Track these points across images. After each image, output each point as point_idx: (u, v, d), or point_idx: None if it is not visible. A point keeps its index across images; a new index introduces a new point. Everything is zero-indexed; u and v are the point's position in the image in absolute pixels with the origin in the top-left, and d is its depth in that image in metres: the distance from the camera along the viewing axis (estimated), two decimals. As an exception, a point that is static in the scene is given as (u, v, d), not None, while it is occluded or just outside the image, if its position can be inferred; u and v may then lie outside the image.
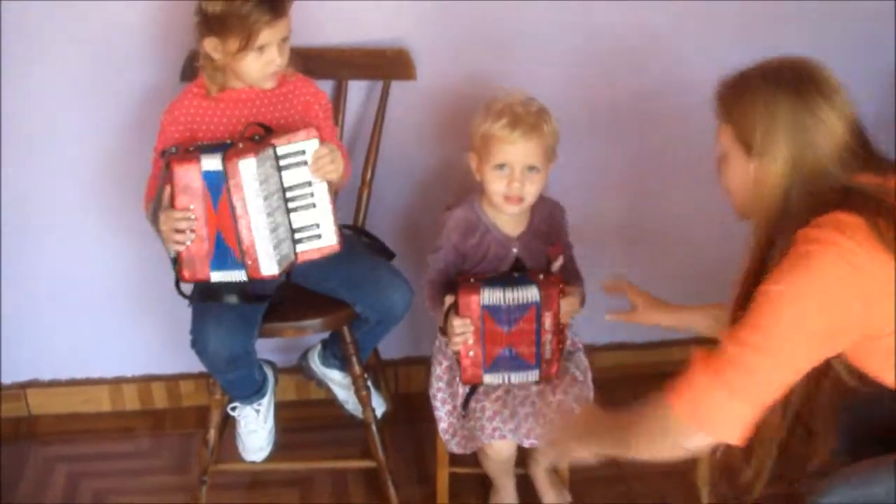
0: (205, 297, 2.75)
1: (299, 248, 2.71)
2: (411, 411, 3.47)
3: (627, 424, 2.33)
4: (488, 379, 2.78)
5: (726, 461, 2.56)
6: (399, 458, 3.32)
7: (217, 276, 2.67)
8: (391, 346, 3.44)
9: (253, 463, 3.08)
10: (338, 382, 3.24)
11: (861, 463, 2.33)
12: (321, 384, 3.29)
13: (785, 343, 2.06)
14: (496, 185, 2.70)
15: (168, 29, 2.95)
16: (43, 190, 3.19)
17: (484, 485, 3.13)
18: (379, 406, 3.17)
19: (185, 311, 2.80)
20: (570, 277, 2.88)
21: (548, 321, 2.71)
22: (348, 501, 3.23)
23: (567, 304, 2.76)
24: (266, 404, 3.02)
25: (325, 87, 3.05)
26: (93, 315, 3.42)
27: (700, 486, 3.01)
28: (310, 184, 2.66)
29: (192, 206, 2.58)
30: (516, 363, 2.77)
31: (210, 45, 2.67)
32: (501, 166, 2.68)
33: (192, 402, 3.59)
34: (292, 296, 2.87)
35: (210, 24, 2.63)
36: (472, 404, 2.81)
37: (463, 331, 2.69)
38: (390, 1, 3.05)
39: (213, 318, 2.73)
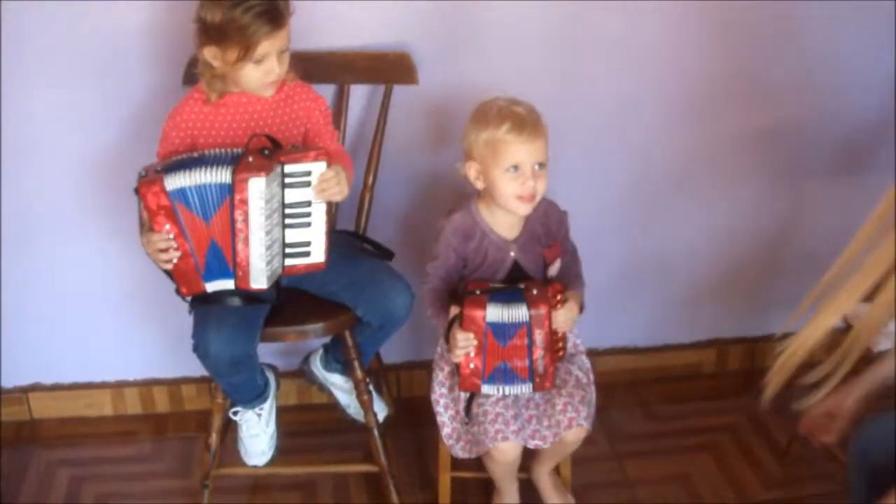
0: (206, 300, 2.75)
1: (287, 261, 2.73)
2: (413, 415, 3.47)
3: None
4: (486, 390, 2.78)
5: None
6: (401, 463, 3.32)
7: (212, 287, 2.71)
8: (393, 351, 3.44)
9: (255, 467, 3.08)
10: (340, 387, 3.23)
11: None
12: (323, 388, 3.29)
13: None
14: (509, 186, 2.70)
15: (170, 32, 2.94)
16: (45, 194, 3.19)
17: (486, 489, 3.13)
18: (381, 410, 3.17)
19: (186, 315, 2.80)
20: (571, 281, 2.87)
21: (538, 338, 2.70)
22: (350, 506, 3.24)
23: (566, 312, 2.75)
24: (268, 409, 3.02)
25: (327, 91, 3.06)
26: (95, 319, 3.42)
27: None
28: (310, 203, 2.67)
29: (167, 226, 2.60)
30: (510, 377, 2.76)
31: (209, 54, 2.66)
32: (514, 168, 2.68)
33: (193, 406, 3.59)
34: (294, 300, 2.86)
35: (209, 32, 2.62)
36: (475, 409, 2.80)
37: (466, 344, 2.69)
38: (392, 4, 3.04)
39: (214, 322, 2.73)
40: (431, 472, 3.21)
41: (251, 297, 2.73)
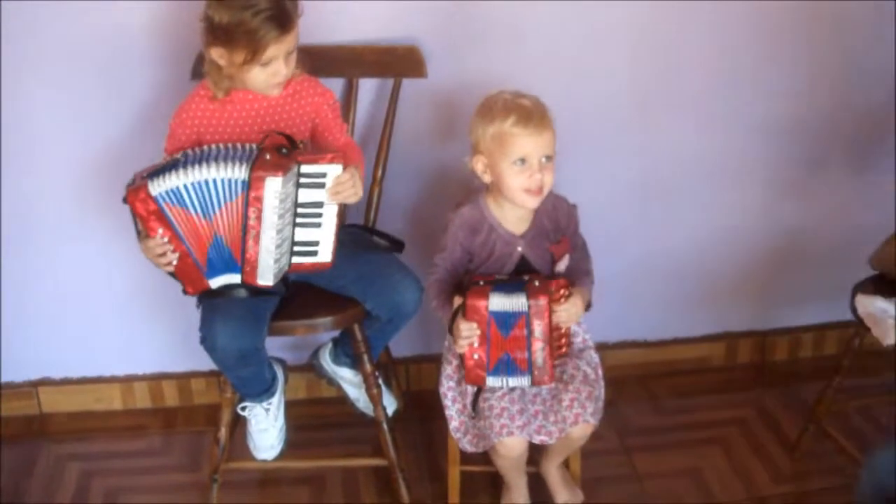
0: (213, 293, 2.75)
1: (294, 259, 2.74)
2: (422, 409, 3.46)
3: None
4: (491, 382, 2.78)
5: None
6: (410, 457, 3.32)
7: (216, 282, 2.73)
8: (402, 344, 3.44)
9: (264, 461, 3.08)
10: (349, 380, 3.24)
11: None
12: (332, 382, 3.29)
13: None
14: (516, 179, 2.69)
15: (176, 29, 2.94)
16: (53, 189, 3.19)
17: (495, 483, 3.13)
18: (390, 404, 3.17)
19: (195, 310, 2.81)
20: (579, 277, 2.87)
21: (537, 329, 2.70)
22: (359, 500, 3.22)
23: (569, 307, 2.75)
24: (276, 403, 3.01)
25: (336, 85, 3.05)
26: (104, 313, 3.42)
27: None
28: (322, 204, 2.68)
29: (160, 230, 2.60)
30: (512, 367, 2.76)
31: (216, 54, 2.66)
32: (521, 161, 2.67)
33: (203, 401, 3.59)
34: (303, 293, 2.87)
35: (216, 33, 2.61)
36: (481, 403, 2.80)
37: (469, 334, 2.69)
38: (402, -2, 3.05)
39: (221, 315, 2.73)
40: (441, 465, 3.21)
41: (259, 290, 2.73)
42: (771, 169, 3.46)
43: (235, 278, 2.71)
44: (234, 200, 2.60)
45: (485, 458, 2.94)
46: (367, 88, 3.14)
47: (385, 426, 3.05)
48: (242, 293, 2.73)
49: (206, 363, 2.85)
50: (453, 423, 2.87)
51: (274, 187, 2.56)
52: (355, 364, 3.13)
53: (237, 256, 2.66)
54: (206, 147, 2.65)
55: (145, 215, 2.59)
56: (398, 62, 3.05)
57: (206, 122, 2.77)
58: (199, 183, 2.59)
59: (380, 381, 3.06)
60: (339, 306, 2.87)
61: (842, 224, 3.58)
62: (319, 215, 2.69)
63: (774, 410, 3.56)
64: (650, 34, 3.18)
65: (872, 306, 2.88)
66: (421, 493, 3.21)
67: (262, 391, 2.98)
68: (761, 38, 3.24)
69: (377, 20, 3.05)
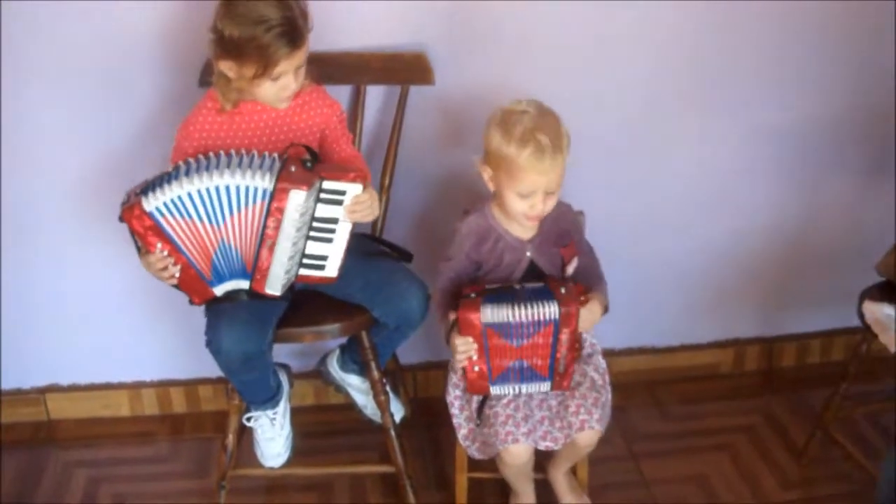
0: (219, 297, 2.76)
1: (301, 271, 2.74)
2: (430, 416, 3.47)
3: None
4: (495, 391, 2.78)
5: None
6: (418, 464, 3.32)
7: (221, 290, 2.73)
8: (410, 351, 3.44)
9: (271, 468, 3.08)
10: (356, 387, 3.24)
11: None
12: (340, 389, 3.29)
13: None
14: (517, 206, 2.69)
15: (184, 32, 2.94)
16: (59, 196, 3.19)
17: (503, 490, 3.13)
18: (397, 411, 3.17)
19: (202, 316, 2.80)
20: (594, 282, 2.87)
21: (565, 337, 2.70)
22: (367, 506, 3.24)
23: (587, 313, 2.75)
24: (281, 412, 3.01)
25: (343, 91, 3.06)
26: (112, 320, 3.43)
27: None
28: (337, 221, 2.68)
29: (159, 245, 2.61)
30: (528, 374, 2.76)
31: (225, 66, 2.64)
32: (525, 194, 2.67)
33: (210, 407, 3.59)
34: (311, 301, 2.87)
35: (226, 46, 2.60)
36: (486, 411, 2.80)
37: (465, 349, 2.69)
38: (408, 4, 3.04)
39: (227, 318, 2.74)
40: (448, 472, 3.21)
41: (262, 297, 2.74)
42: (779, 174, 3.45)
43: (242, 284, 2.71)
44: (249, 207, 2.59)
45: (492, 465, 2.94)
46: (374, 95, 3.14)
47: (393, 433, 3.05)
48: (245, 296, 2.73)
49: (213, 370, 2.85)
50: (462, 432, 2.87)
51: (297, 200, 2.56)
52: (363, 371, 3.13)
53: (246, 262, 2.67)
54: (221, 153, 2.63)
55: (142, 231, 2.59)
56: (405, 69, 3.05)
57: (213, 135, 2.76)
58: (208, 189, 2.57)
59: (387, 387, 3.06)
60: (346, 313, 2.87)
61: (849, 230, 3.57)
62: (333, 231, 2.69)
63: (782, 417, 3.56)
64: (657, 38, 3.17)
65: (880, 313, 2.88)
66: (428, 500, 3.21)
67: (267, 399, 2.98)
68: (769, 41, 3.23)
69: (384, 27, 3.05)
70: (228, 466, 3.05)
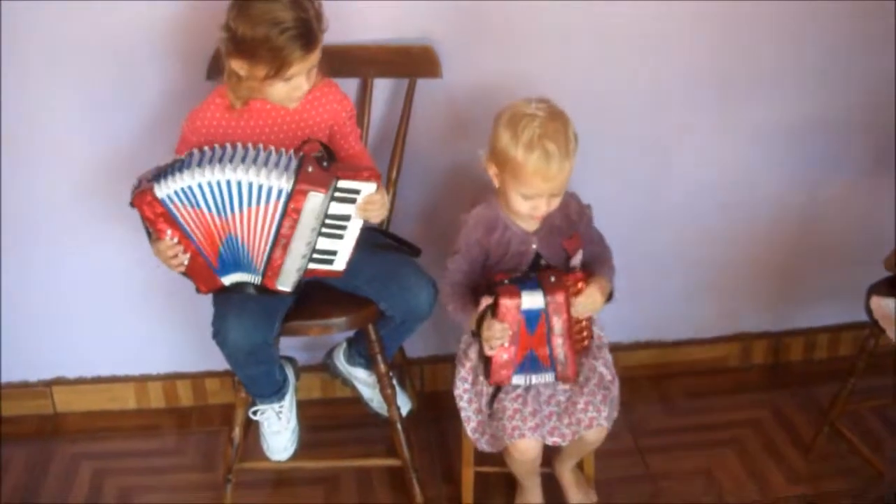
0: (227, 288, 2.75)
1: (310, 265, 2.73)
2: (437, 410, 3.47)
3: None
4: (516, 380, 2.78)
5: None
6: (424, 457, 3.32)
7: (229, 280, 2.73)
8: (417, 345, 3.44)
9: (278, 462, 3.08)
10: (363, 381, 3.24)
11: None
12: (346, 382, 3.29)
13: None
14: (521, 206, 2.69)
15: (192, 25, 2.94)
16: (67, 190, 3.19)
17: (509, 484, 3.12)
18: (404, 404, 3.17)
19: (210, 309, 2.80)
20: (598, 267, 2.87)
21: (557, 325, 2.69)
22: (373, 500, 3.23)
23: (586, 299, 2.74)
24: (287, 405, 3.02)
25: (350, 84, 3.05)
26: (118, 313, 3.43)
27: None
28: (349, 218, 2.68)
29: (169, 232, 2.60)
30: (535, 365, 2.76)
31: (237, 65, 2.62)
32: (530, 196, 2.67)
33: (217, 400, 3.60)
34: (318, 294, 2.86)
35: (239, 45, 2.57)
36: (495, 405, 2.80)
37: (502, 335, 2.68)
38: (415, -2, 3.05)
39: (234, 309, 2.74)
40: (454, 466, 3.21)
41: (270, 292, 2.74)
42: (786, 169, 3.45)
43: (247, 277, 2.71)
44: (262, 205, 2.58)
45: (499, 459, 2.94)
46: (382, 88, 3.13)
47: (399, 426, 3.05)
48: (252, 290, 2.73)
49: (220, 363, 2.85)
50: (471, 425, 2.87)
51: (315, 202, 2.57)
52: (369, 364, 3.14)
53: (254, 258, 2.67)
54: (238, 146, 2.63)
55: (153, 218, 2.59)
56: (413, 62, 3.05)
57: (221, 131, 2.75)
58: (219, 182, 2.56)
59: (394, 381, 3.06)
60: (353, 306, 2.87)
61: (856, 225, 3.57)
62: (344, 228, 2.69)
63: (789, 411, 3.56)
64: (665, 33, 3.16)
65: (888, 307, 2.88)
66: (435, 494, 3.21)
67: (273, 392, 2.98)
68: (775, 37, 3.22)
69: (392, 20, 3.04)
70: (235, 460, 3.05)
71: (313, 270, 2.75)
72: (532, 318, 2.68)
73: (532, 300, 2.66)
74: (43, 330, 3.42)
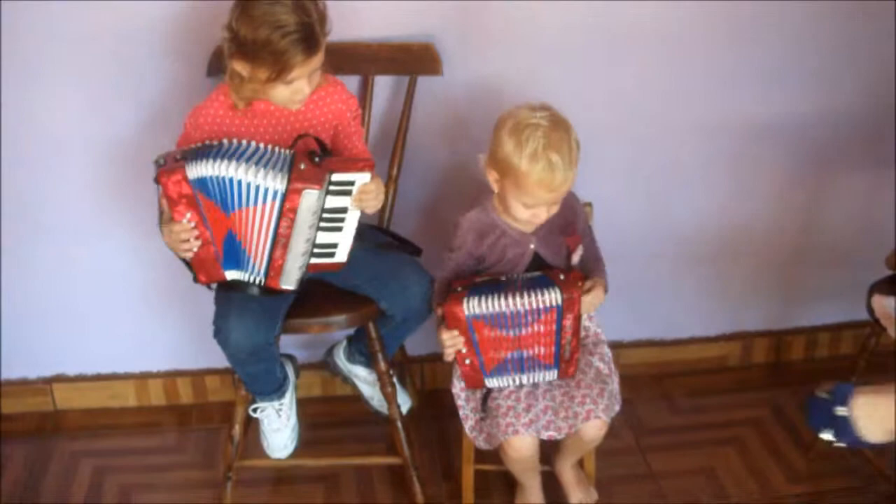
0: (228, 286, 2.75)
1: (312, 260, 2.73)
2: (437, 408, 3.47)
3: None
4: (492, 383, 2.79)
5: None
6: (424, 455, 3.32)
7: (232, 275, 2.71)
8: (417, 343, 3.43)
9: (278, 460, 3.08)
10: (363, 379, 3.24)
11: None
12: (347, 380, 3.29)
13: None
14: (521, 213, 2.69)
15: (193, 22, 2.94)
16: (68, 186, 3.19)
17: (510, 482, 3.12)
18: (404, 402, 3.17)
19: (210, 307, 2.80)
20: (593, 265, 2.88)
21: (569, 323, 2.69)
22: (373, 498, 3.23)
23: (593, 297, 2.75)
24: (287, 403, 3.02)
25: (351, 82, 3.05)
26: (119, 310, 3.42)
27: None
28: (346, 210, 2.67)
29: (188, 215, 2.58)
30: (529, 364, 2.76)
31: (239, 66, 2.61)
32: (531, 205, 2.67)
33: (217, 398, 3.60)
34: (318, 292, 2.86)
35: (241, 47, 2.56)
36: (489, 403, 2.80)
37: (451, 343, 2.69)
38: (416, -5, 3.05)
39: (236, 308, 2.73)
40: (455, 464, 3.21)
41: (273, 292, 2.73)
42: (788, 167, 3.44)
43: (245, 276, 2.71)
44: (258, 205, 2.58)
45: (499, 456, 2.94)
46: (382, 86, 3.13)
47: (399, 424, 3.05)
48: (255, 291, 2.73)
49: (220, 360, 2.85)
50: (469, 423, 2.86)
51: (310, 200, 2.56)
52: (370, 362, 3.13)
53: (252, 257, 2.67)
54: (243, 142, 2.62)
55: (176, 198, 2.56)
56: (414, 59, 3.04)
57: (224, 129, 2.74)
58: (224, 178, 2.56)
59: (394, 379, 3.06)
60: (353, 305, 2.87)
61: (858, 224, 3.56)
62: (342, 220, 2.68)
63: (790, 410, 3.55)
64: (666, 32, 3.16)
65: (889, 306, 2.87)
66: (435, 492, 3.21)
67: (273, 390, 2.98)
68: (776, 36, 3.22)
69: (393, 17, 3.04)
70: (235, 457, 3.05)
71: (315, 265, 2.74)
72: (503, 322, 2.68)
73: (485, 304, 2.65)
74: (43, 327, 3.42)
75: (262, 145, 2.62)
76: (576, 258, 2.85)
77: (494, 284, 2.72)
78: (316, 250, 2.71)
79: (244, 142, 2.62)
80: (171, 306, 3.40)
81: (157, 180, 2.55)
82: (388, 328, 2.96)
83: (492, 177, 2.71)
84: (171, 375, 3.58)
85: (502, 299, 2.66)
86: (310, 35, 2.55)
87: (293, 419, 3.06)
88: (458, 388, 2.87)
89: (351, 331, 3.17)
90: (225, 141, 2.61)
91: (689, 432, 3.49)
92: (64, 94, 3.05)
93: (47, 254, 3.29)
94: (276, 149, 2.62)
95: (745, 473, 3.30)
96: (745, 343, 3.77)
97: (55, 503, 3.21)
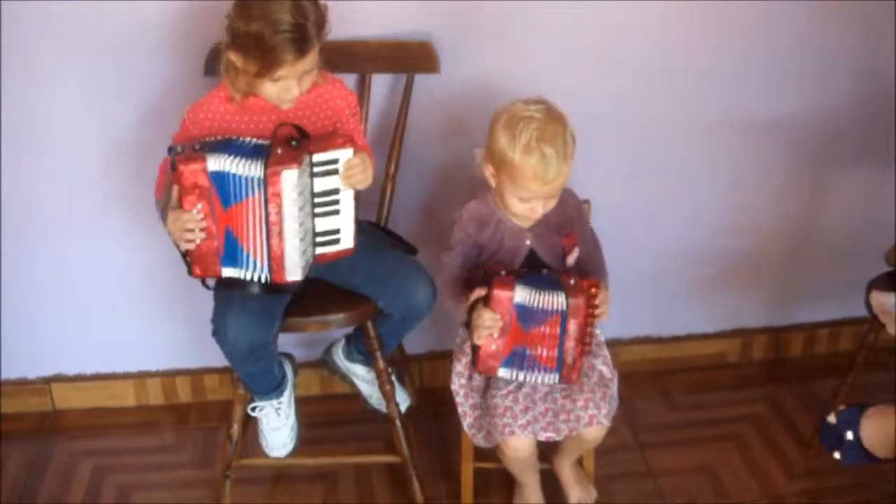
0: (227, 285, 2.74)
1: (318, 250, 2.72)
2: (436, 406, 3.46)
3: None
4: (502, 373, 2.77)
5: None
6: (423, 453, 3.32)
7: (228, 272, 2.69)
8: (416, 341, 3.44)
9: (276, 458, 3.08)
10: (362, 377, 3.23)
11: None
12: (345, 379, 3.29)
13: None
14: (517, 207, 2.69)
15: (190, 21, 2.94)
16: (66, 186, 3.19)
17: (509, 480, 3.12)
18: (403, 401, 3.16)
19: (209, 306, 2.79)
20: (594, 271, 2.86)
21: (572, 328, 2.68)
22: (372, 497, 3.23)
23: (605, 307, 2.73)
24: (286, 402, 3.02)
25: (349, 80, 3.04)
26: (117, 310, 3.42)
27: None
28: (338, 191, 2.66)
29: (199, 206, 2.57)
30: (530, 363, 2.75)
31: (233, 56, 2.61)
32: (526, 199, 2.67)
33: (216, 397, 3.59)
34: (316, 290, 2.86)
35: (234, 38, 2.57)
36: (488, 400, 2.79)
37: (492, 324, 2.67)
38: (413, -7, 3.04)
39: (235, 307, 2.73)
40: (454, 462, 3.21)
41: (274, 289, 2.72)
42: (787, 164, 3.44)
43: (245, 273, 2.69)
44: (248, 198, 2.57)
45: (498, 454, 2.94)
46: (380, 84, 3.13)
47: (398, 423, 3.05)
48: (256, 290, 2.72)
49: (219, 360, 2.85)
50: (467, 420, 2.86)
51: (291, 180, 2.53)
52: (368, 361, 3.13)
53: (252, 253, 2.65)
54: (230, 138, 2.63)
55: (189, 187, 2.55)
56: (411, 57, 3.04)
57: (224, 125, 2.74)
58: (226, 174, 2.56)
59: (393, 377, 3.06)
60: (352, 303, 2.87)
61: (857, 220, 3.56)
62: (337, 202, 2.67)
63: (789, 407, 3.55)
64: (665, 32, 3.16)
65: (888, 303, 2.87)
66: (434, 491, 3.21)
67: (272, 389, 2.98)
68: (776, 36, 3.22)
69: (390, 16, 3.04)
70: (233, 456, 3.05)
71: (324, 255, 2.73)
72: (528, 315, 2.67)
73: (527, 296, 2.65)
74: (42, 326, 3.42)
75: (248, 139, 2.62)
76: (571, 259, 2.85)
77: (532, 276, 2.72)
78: (319, 239, 2.70)
79: (234, 138, 2.62)
80: (170, 305, 3.40)
81: (173, 167, 2.55)
82: (386, 326, 2.96)
83: (488, 171, 2.71)
84: (169, 375, 3.58)
85: (537, 293, 2.66)
86: (302, 37, 2.55)
87: (292, 418, 3.06)
88: (456, 384, 2.86)
89: (349, 329, 3.17)
90: (230, 139, 2.62)
91: (688, 429, 3.49)
92: (63, 93, 3.06)
93: (46, 253, 3.29)
94: (254, 140, 2.62)
95: (744, 470, 3.30)
96: (744, 339, 3.77)
97: (54, 502, 3.21)
